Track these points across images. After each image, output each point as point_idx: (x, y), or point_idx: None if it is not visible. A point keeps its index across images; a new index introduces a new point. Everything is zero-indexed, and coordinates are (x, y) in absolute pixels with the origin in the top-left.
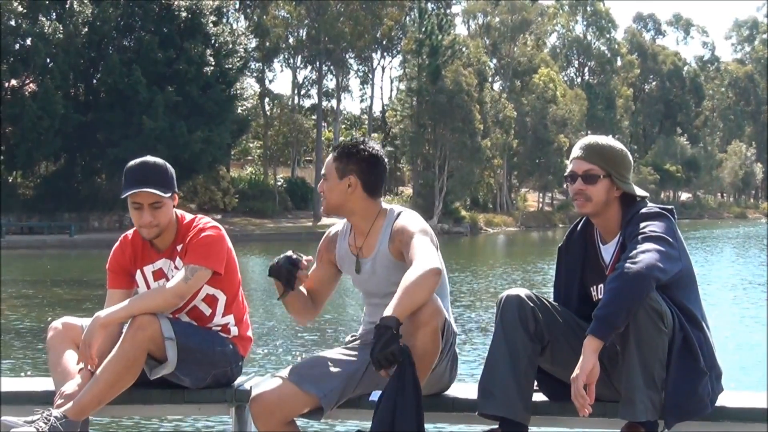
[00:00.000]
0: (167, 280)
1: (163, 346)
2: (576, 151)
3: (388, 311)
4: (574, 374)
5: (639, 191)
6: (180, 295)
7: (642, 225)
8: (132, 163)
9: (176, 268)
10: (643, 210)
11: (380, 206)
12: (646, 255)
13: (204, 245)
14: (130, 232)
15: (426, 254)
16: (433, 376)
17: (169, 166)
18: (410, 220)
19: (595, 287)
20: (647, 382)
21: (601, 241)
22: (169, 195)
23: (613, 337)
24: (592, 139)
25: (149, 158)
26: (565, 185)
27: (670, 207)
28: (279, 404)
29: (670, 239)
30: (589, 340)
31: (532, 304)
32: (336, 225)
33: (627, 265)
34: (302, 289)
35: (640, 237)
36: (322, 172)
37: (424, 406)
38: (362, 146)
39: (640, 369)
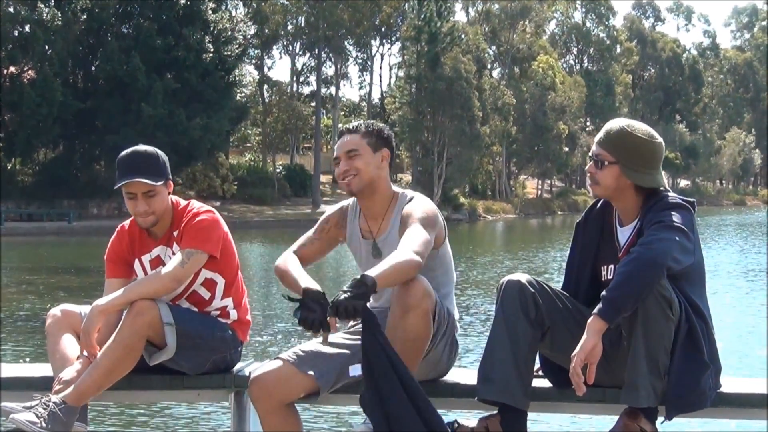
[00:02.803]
0: (168, 264)
1: (162, 331)
2: (599, 133)
3: (372, 272)
4: (574, 352)
5: (658, 183)
6: (177, 279)
7: (662, 213)
8: (123, 153)
9: (173, 254)
10: (666, 199)
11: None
12: (661, 243)
13: (199, 229)
14: (126, 222)
15: (412, 245)
16: (429, 361)
17: (161, 153)
18: (418, 206)
19: (605, 267)
20: (651, 368)
21: (619, 222)
22: (161, 183)
23: (619, 321)
24: (614, 123)
25: (140, 147)
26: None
27: (692, 200)
28: (277, 385)
29: (688, 231)
30: (593, 320)
31: (532, 290)
32: (344, 202)
33: (641, 250)
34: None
35: (659, 224)
36: (348, 149)
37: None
38: (375, 123)
39: (645, 355)
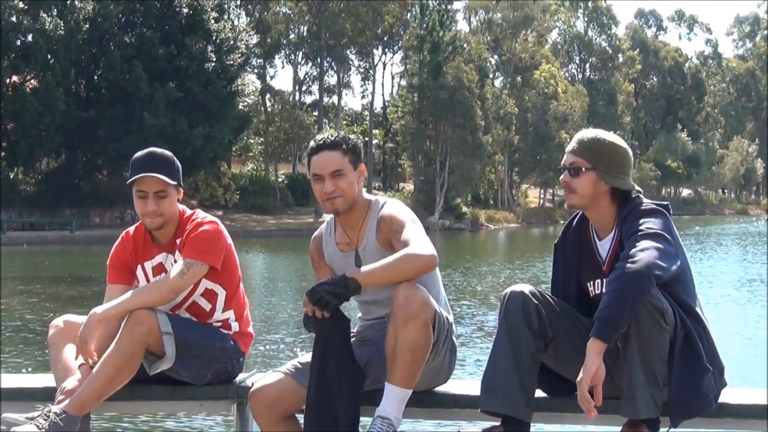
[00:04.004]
0: (167, 274)
1: (161, 340)
2: (569, 144)
3: (359, 271)
4: (579, 377)
5: (632, 186)
6: (175, 289)
7: (639, 222)
8: (139, 153)
9: (175, 261)
10: (640, 206)
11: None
12: (645, 253)
13: (201, 240)
14: (131, 229)
15: (422, 241)
16: (431, 370)
17: (175, 158)
18: (398, 209)
19: (592, 282)
20: (649, 379)
21: (597, 236)
22: (174, 183)
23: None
24: (585, 132)
25: (156, 149)
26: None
27: (665, 203)
28: (278, 399)
29: (668, 236)
30: (592, 343)
31: (535, 301)
32: (318, 230)
33: (627, 264)
34: None
35: (637, 234)
36: (333, 169)
37: (425, 402)
38: (351, 138)
39: (642, 366)
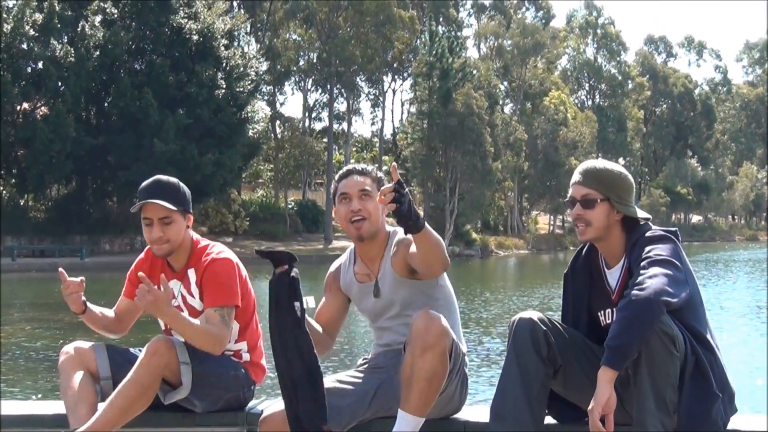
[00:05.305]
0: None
1: (178, 371)
2: (575, 176)
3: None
4: (590, 406)
5: (641, 213)
6: (223, 342)
7: (647, 249)
8: (145, 181)
9: (189, 292)
10: (648, 233)
11: None
12: (653, 280)
13: (223, 284)
14: None
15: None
16: (443, 399)
17: (182, 184)
18: None
19: (602, 312)
20: (659, 406)
21: (606, 265)
22: (178, 209)
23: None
24: (589, 163)
25: (162, 177)
26: (567, 210)
27: (674, 229)
28: (287, 426)
29: (677, 262)
30: (603, 371)
31: (544, 328)
32: (339, 258)
33: (635, 292)
34: (316, 325)
35: (646, 262)
36: (362, 188)
37: (435, 429)
38: (379, 172)
39: (652, 393)
